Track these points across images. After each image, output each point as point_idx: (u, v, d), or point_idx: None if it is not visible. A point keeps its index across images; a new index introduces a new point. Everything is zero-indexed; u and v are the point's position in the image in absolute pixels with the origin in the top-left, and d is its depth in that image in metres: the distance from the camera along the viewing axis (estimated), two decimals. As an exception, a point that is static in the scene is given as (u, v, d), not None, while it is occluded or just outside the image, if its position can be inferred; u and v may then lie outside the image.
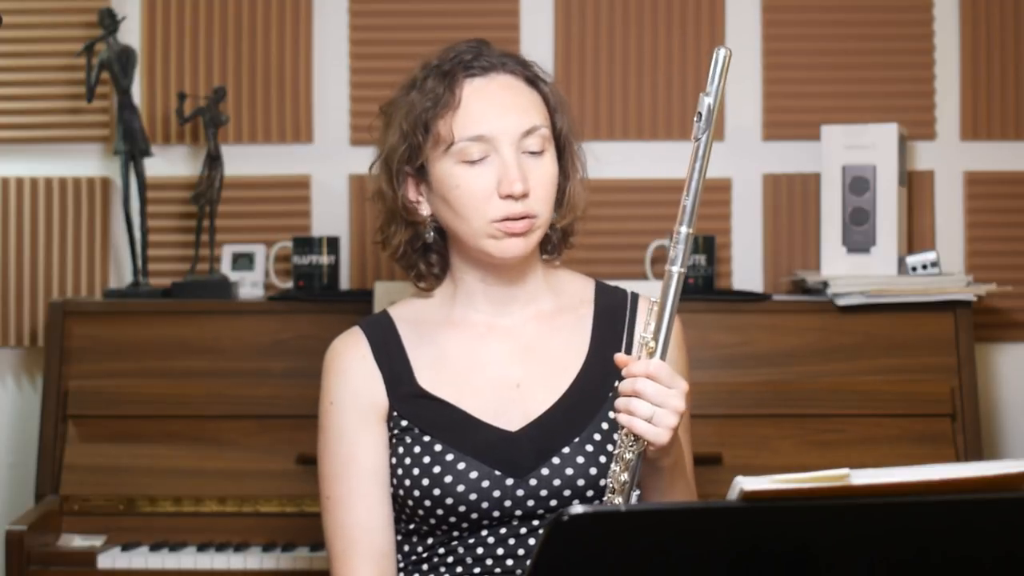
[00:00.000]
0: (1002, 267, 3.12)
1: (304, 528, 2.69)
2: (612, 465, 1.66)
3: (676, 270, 1.63)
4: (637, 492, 1.71)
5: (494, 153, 1.78)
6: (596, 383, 1.84)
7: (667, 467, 1.72)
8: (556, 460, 1.79)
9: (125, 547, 2.65)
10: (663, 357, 1.64)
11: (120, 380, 2.82)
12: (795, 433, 2.75)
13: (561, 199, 1.88)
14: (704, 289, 2.94)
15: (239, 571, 2.61)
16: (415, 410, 1.84)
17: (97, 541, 2.68)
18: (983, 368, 3.12)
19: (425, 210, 1.85)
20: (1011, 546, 1.29)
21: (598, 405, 1.83)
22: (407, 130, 1.81)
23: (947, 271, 2.96)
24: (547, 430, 1.81)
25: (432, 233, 1.87)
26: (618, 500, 1.64)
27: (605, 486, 1.70)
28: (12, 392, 3.21)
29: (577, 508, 1.21)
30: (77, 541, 2.68)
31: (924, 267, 2.87)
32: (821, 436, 2.75)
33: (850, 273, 2.89)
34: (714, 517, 1.27)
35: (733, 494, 1.24)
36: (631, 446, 1.64)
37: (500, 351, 1.87)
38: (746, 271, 3.18)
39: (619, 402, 1.64)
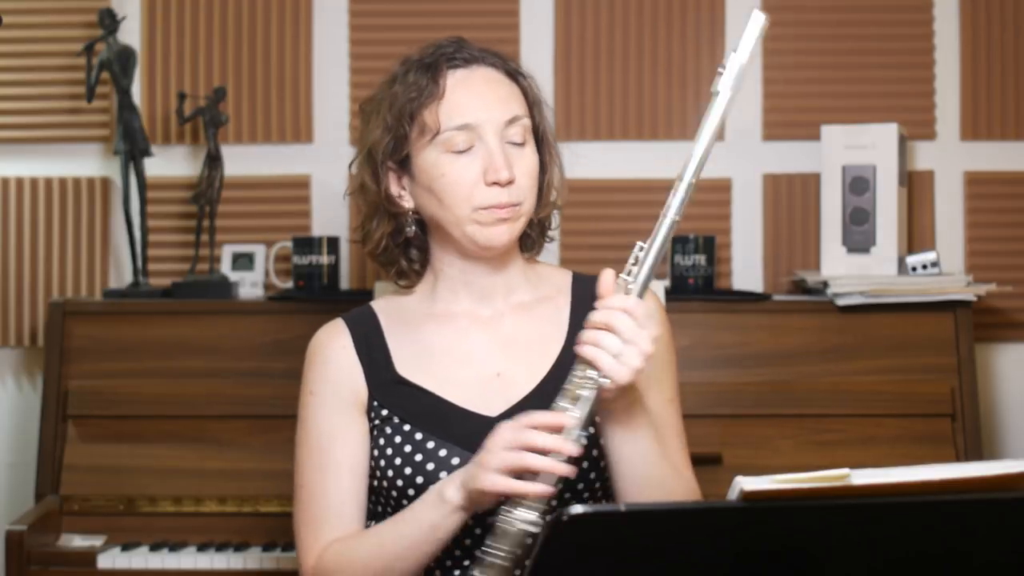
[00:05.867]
0: (1002, 267, 3.12)
1: (304, 528, 2.69)
2: (559, 400, 1.63)
3: (672, 217, 1.63)
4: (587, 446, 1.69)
5: (479, 142, 1.80)
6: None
7: (629, 423, 1.70)
8: None
9: (125, 547, 2.65)
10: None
11: (120, 380, 2.82)
12: (795, 433, 2.75)
13: (540, 192, 1.89)
14: (704, 289, 2.94)
15: (239, 571, 2.61)
16: (394, 399, 1.85)
17: (97, 541, 2.68)
18: (983, 368, 3.12)
19: (408, 203, 1.87)
20: (1011, 546, 1.29)
21: None
22: (392, 122, 1.83)
23: (947, 271, 2.97)
24: None
25: (414, 227, 1.88)
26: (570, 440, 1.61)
27: (582, 466, 1.72)
28: (12, 392, 3.21)
29: (577, 508, 1.21)
30: (77, 541, 2.68)
31: (924, 267, 2.87)
32: (821, 436, 2.75)
33: (850, 273, 2.89)
34: (714, 517, 1.27)
35: (733, 494, 1.24)
36: (588, 382, 1.62)
37: (480, 341, 1.88)
38: (746, 271, 3.18)
39: (587, 334, 1.62)
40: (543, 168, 1.90)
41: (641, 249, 1.66)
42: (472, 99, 1.81)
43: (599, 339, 1.61)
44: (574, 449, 1.60)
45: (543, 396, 1.83)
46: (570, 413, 1.61)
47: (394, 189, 1.87)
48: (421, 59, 1.85)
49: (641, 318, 1.62)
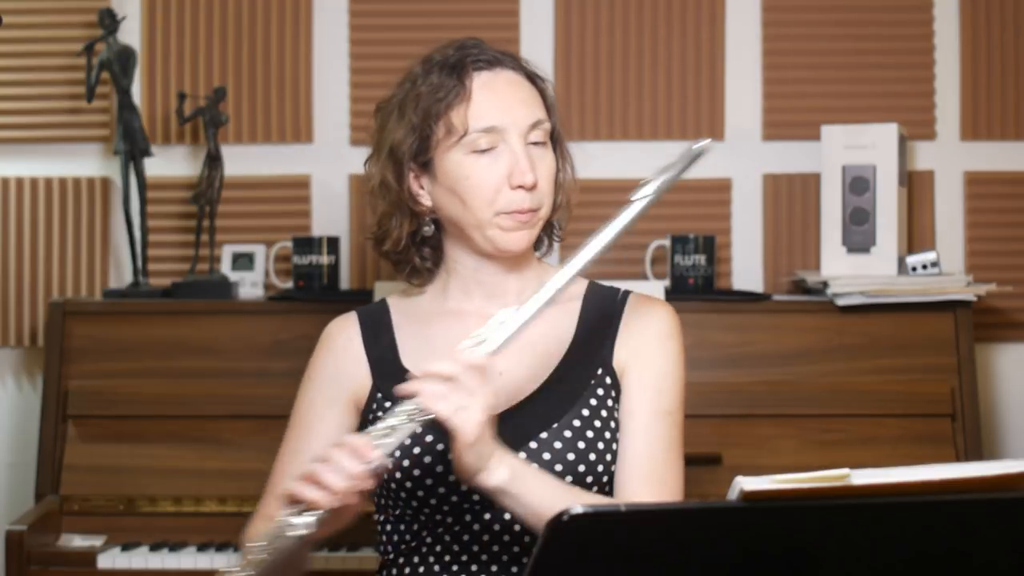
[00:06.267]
0: (1002, 267, 3.12)
1: (304, 528, 2.69)
2: (375, 428, 1.65)
3: (546, 297, 1.69)
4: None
5: (503, 144, 1.81)
6: (578, 372, 1.86)
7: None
8: (534, 445, 1.81)
9: (125, 547, 2.65)
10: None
11: (120, 380, 2.82)
12: (795, 433, 2.75)
13: (555, 194, 1.90)
14: (704, 289, 2.94)
15: (239, 571, 2.61)
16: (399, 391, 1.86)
17: (97, 541, 2.68)
18: (983, 368, 3.12)
19: (426, 201, 1.87)
20: (1011, 546, 1.29)
21: (578, 394, 1.84)
22: (418, 122, 1.83)
23: (947, 271, 2.96)
24: (527, 415, 1.83)
25: (431, 226, 1.89)
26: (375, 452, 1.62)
27: (580, 471, 1.75)
28: (12, 392, 3.21)
29: (577, 508, 1.21)
30: (77, 541, 2.68)
31: (924, 267, 2.87)
32: (821, 436, 2.75)
33: (850, 273, 2.89)
34: (714, 517, 1.27)
35: (733, 494, 1.24)
36: (408, 417, 1.64)
37: None
38: (746, 271, 3.18)
39: (429, 382, 1.63)
40: (558, 170, 1.91)
41: (515, 311, 1.70)
42: (498, 102, 1.82)
43: (445, 391, 1.63)
44: (366, 482, 1.62)
45: (543, 398, 1.85)
46: (383, 441, 1.63)
47: (413, 187, 1.87)
48: (444, 59, 1.84)
49: (486, 375, 1.65)
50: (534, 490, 1.70)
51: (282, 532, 1.61)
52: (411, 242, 1.90)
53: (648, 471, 1.83)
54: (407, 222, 1.88)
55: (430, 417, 1.63)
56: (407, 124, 1.84)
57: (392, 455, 1.65)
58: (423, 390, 1.63)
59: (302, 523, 1.60)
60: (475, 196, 1.81)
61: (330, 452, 1.63)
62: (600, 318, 1.90)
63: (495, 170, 1.80)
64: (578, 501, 1.71)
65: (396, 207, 1.88)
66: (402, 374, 1.88)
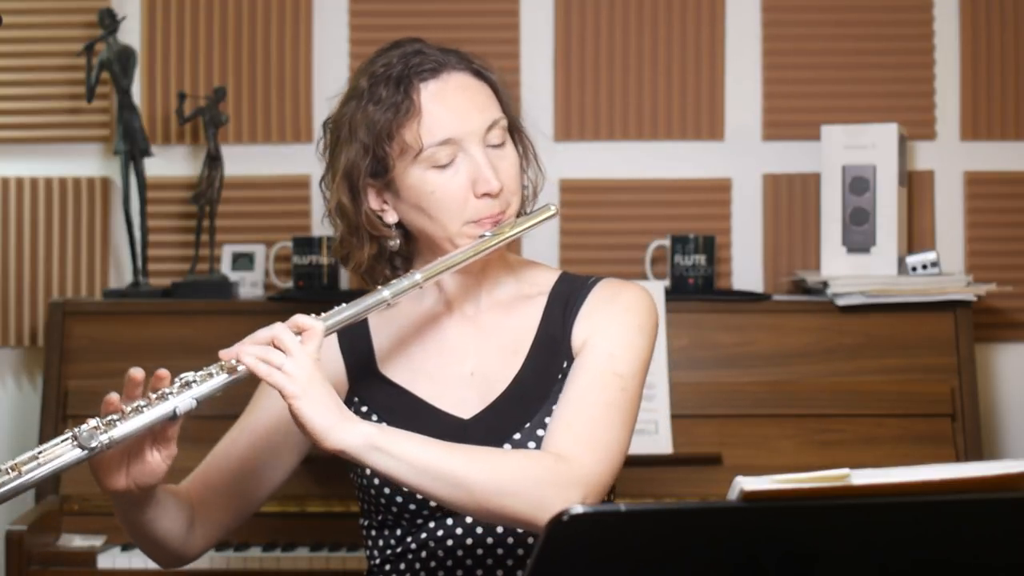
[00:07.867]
0: (1002, 267, 3.12)
1: (304, 528, 2.69)
2: (193, 373, 1.71)
3: (388, 293, 1.73)
4: None
5: (462, 154, 1.78)
6: (545, 366, 1.84)
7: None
8: (507, 447, 1.80)
9: (125, 547, 2.65)
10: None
11: (120, 380, 2.78)
12: (795, 433, 2.75)
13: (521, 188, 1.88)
14: (704, 289, 2.94)
15: (239, 571, 2.61)
16: (373, 395, 1.86)
17: (97, 541, 2.68)
18: (983, 368, 3.12)
19: (391, 217, 1.84)
20: (1011, 546, 1.29)
21: (547, 389, 1.82)
22: (370, 143, 1.78)
23: (947, 271, 2.97)
24: (499, 417, 1.82)
25: (397, 240, 1.86)
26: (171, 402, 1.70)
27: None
28: (12, 392, 3.21)
29: (577, 508, 1.21)
30: (77, 541, 2.68)
31: (924, 267, 2.87)
32: (821, 436, 2.75)
33: (850, 273, 2.89)
34: (714, 517, 1.27)
35: (733, 494, 1.24)
36: (223, 367, 1.71)
37: (458, 339, 1.88)
38: (746, 271, 3.18)
39: (252, 347, 1.70)
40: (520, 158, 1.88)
41: (339, 305, 1.74)
42: (450, 112, 1.77)
43: (268, 350, 1.68)
44: (168, 427, 1.72)
45: (514, 397, 1.83)
46: (194, 381, 1.71)
47: (375, 204, 1.83)
48: (388, 72, 1.79)
49: (314, 339, 1.67)
50: (405, 439, 1.67)
51: (68, 439, 1.63)
52: (377, 259, 1.87)
53: (577, 427, 1.75)
54: (368, 245, 1.85)
55: (243, 369, 1.68)
56: (359, 145, 1.79)
57: (199, 400, 1.69)
58: (242, 348, 1.69)
59: (87, 433, 1.64)
60: (442, 210, 1.78)
61: (131, 369, 1.70)
62: (565, 307, 1.87)
63: (458, 182, 1.77)
64: (456, 450, 1.70)
65: (355, 231, 1.85)
66: (378, 380, 1.87)
